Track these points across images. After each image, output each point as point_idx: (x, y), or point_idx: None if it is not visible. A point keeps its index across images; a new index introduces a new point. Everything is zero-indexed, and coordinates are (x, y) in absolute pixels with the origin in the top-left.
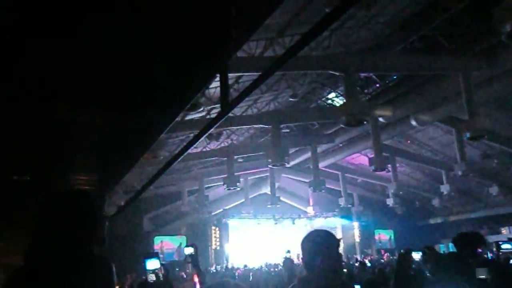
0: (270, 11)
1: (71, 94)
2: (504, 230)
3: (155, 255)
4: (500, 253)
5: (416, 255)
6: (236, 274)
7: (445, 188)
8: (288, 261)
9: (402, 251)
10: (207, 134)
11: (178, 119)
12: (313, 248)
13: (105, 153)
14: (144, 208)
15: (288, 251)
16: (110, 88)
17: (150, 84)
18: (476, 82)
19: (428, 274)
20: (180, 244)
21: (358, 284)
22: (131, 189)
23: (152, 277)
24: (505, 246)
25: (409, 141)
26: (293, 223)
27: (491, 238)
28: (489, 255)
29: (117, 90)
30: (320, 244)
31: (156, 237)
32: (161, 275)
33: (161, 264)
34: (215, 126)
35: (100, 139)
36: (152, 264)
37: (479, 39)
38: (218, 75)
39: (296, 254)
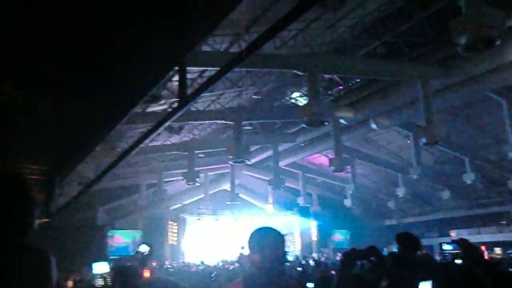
0: (234, 5)
1: (21, 77)
2: (453, 233)
3: (104, 258)
4: (446, 254)
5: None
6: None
7: (400, 191)
8: (243, 257)
9: (346, 251)
10: (164, 127)
11: (138, 110)
12: (257, 245)
13: (57, 143)
14: (100, 200)
15: (243, 247)
16: (63, 74)
17: (106, 73)
18: (433, 90)
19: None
20: (134, 238)
21: (312, 282)
22: (86, 181)
23: (99, 282)
24: (446, 247)
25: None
26: (252, 220)
27: (440, 241)
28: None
29: (71, 77)
30: (264, 240)
31: (111, 231)
32: (109, 279)
33: (111, 269)
34: (172, 119)
35: (52, 127)
36: (100, 267)
37: (438, 49)
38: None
39: None
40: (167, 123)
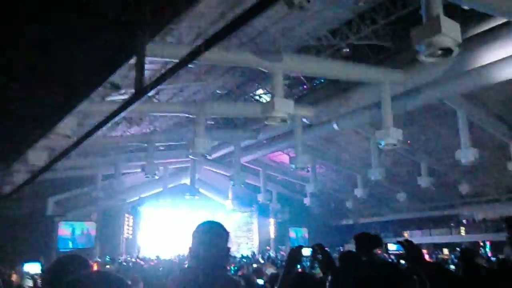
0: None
1: None
2: (406, 234)
3: (37, 259)
4: (391, 254)
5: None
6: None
7: (358, 192)
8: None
9: (292, 247)
10: (120, 117)
11: (97, 99)
12: (199, 238)
13: (2, 127)
14: (50, 190)
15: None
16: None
17: (58, 56)
18: (394, 94)
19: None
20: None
21: (261, 279)
22: (36, 169)
23: (28, 283)
24: (391, 247)
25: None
26: (211, 216)
27: (394, 241)
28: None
29: (21, 58)
30: (207, 234)
31: (62, 223)
32: (39, 281)
33: (42, 271)
34: (128, 110)
35: None
36: (31, 268)
37: (400, 54)
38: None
39: None
40: (123, 114)
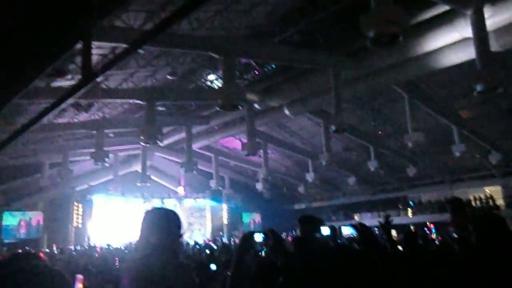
0: None
1: None
2: (356, 216)
3: None
4: (344, 237)
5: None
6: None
7: (310, 176)
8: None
9: (244, 233)
10: (67, 104)
11: (42, 85)
12: (150, 226)
13: None
14: None
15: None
16: None
17: (4, 42)
18: (344, 80)
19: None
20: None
21: (215, 264)
22: None
23: None
24: (345, 230)
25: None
26: (162, 202)
27: (345, 224)
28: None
29: None
30: (158, 222)
31: (6, 213)
32: None
33: None
34: (75, 95)
35: None
36: None
37: (349, 41)
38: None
39: None
40: (70, 100)
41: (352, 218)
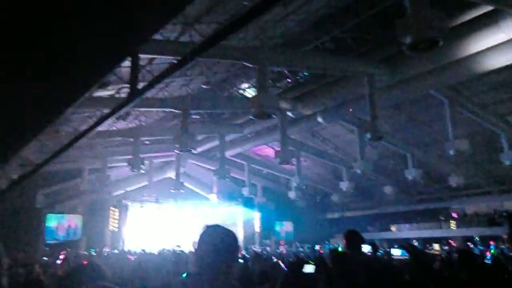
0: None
1: None
2: (393, 228)
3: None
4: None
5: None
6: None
7: (344, 185)
8: (176, 254)
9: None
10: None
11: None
12: (207, 243)
13: (1, 125)
14: (39, 183)
15: (178, 246)
16: (6, 55)
17: (55, 57)
18: (379, 87)
19: None
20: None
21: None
22: (26, 162)
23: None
24: (395, 252)
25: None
26: (196, 209)
27: (381, 235)
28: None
29: (18, 58)
30: (215, 241)
31: (49, 215)
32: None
33: None
34: (123, 110)
35: None
36: None
37: (384, 46)
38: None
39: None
40: (118, 114)
41: (389, 229)
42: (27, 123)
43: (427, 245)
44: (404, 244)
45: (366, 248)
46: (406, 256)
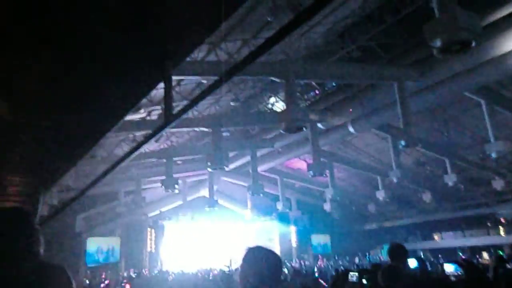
0: (219, 23)
1: (6, 92)
2: (436, 236)
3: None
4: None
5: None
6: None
7: (380, 194)
8: (225, 275)
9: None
10: (150, 141)
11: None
12: (250, 265)
13: (42, 154)
14: (78, 208)
15: (228, 266)
16: (48, 87)
17: (92, 87)
18: (410, 92)
19: None
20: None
21: None
22: (65, 188)
23: None
24: (448, 268)
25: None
26: (231, 226)
27: (424, 245)
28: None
29: (57, 90)
30: (258, 263)
31: (89, 238)
32: None
33: None
34: (158, 135)
35: (37, 139)
36: None
37: (413, 51)
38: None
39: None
40: (154, 138)
41: (431, 238)
42: (67, 152)
43: (477, 256)
44: (459, 259)
45: (412, 263)
46: (459, 271)
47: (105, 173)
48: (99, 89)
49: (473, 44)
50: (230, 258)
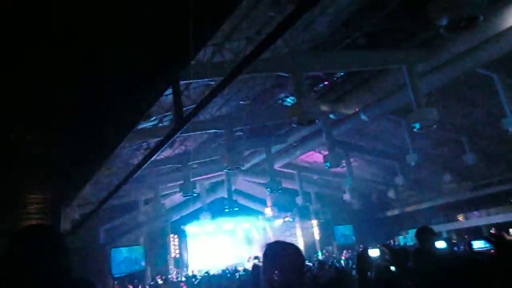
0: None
1: (24, 113)
2: (461, 217)
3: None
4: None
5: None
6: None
7: (399, 180)
8: (256, 268)
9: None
10: (164, 147)
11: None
12: (272, 261)
13: (60, 171)
14: (99, 220)
15: (256, 257)
16: (61, 105)
17: (103, 100)
18: (420, 73)
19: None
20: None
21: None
22: (85, 202)
23: None
24: (477, 244)
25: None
26: (252, 225)
27: (448, 226)
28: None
29: (69, 107)
30: (279, 258)
31: (113, 249)
32: None
33: None
34: (171, 140)
35: (53, 156)
36: None
37: (418, 32)
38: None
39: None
40: (167, 144)
41: (456, 219)
42: (85, 166)
43: (504, 233)
44: (487, 235)
45: (440, 244)
46: (487, 247)
47: (122, 183)
48: (109, 101)
49: (481, 18)
50: (249, 256)
